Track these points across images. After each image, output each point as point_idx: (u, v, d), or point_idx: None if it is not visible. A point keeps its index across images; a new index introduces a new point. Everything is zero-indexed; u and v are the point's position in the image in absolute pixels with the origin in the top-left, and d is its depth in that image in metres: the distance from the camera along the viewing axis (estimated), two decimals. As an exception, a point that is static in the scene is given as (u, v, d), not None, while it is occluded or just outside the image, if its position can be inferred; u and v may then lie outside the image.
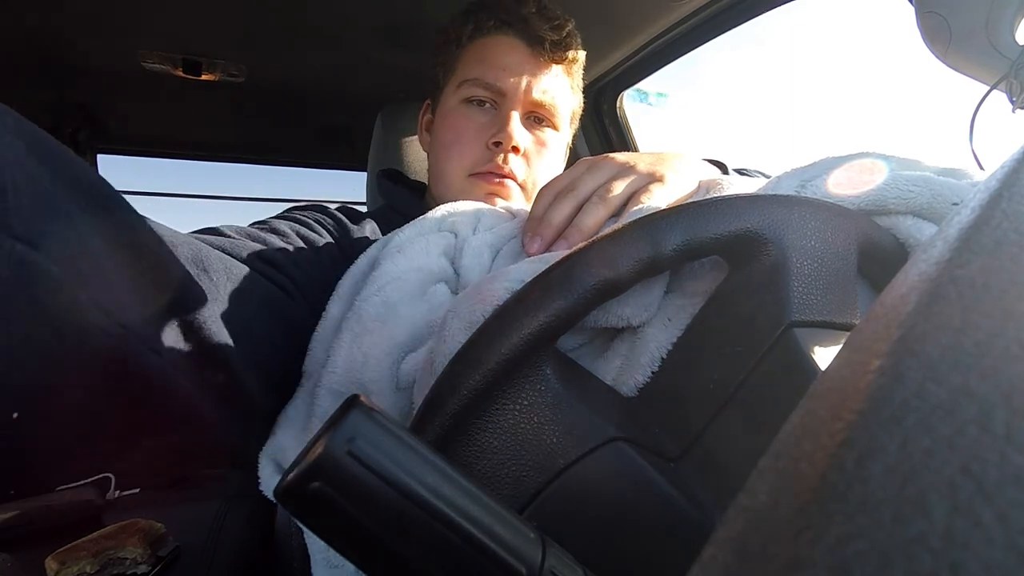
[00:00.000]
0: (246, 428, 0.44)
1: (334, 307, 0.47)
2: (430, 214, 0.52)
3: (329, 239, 0.57)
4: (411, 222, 0.51)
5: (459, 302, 0.35)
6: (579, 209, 0.45)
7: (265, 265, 0.46)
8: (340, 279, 0.49)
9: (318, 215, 0.61)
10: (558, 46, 0.67)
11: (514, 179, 0.67)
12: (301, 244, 0.53)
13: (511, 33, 0.67)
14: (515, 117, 0.65)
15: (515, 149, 0.65)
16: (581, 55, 0.72)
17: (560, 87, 0.69)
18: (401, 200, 0.76)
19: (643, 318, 0.33)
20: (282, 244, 0.50)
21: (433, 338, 0.37)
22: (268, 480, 0.42)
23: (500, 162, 0.65)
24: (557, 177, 0.48)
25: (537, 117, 0.69)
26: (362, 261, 0.50)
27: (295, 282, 0.48)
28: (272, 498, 0.40)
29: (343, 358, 0.42)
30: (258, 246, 0.47)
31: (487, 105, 0.68)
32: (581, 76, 0.75)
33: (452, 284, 0.47)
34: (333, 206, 0.66)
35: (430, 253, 0.48)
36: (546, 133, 0.70)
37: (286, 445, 0.42)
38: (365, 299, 0.44)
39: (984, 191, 0.14)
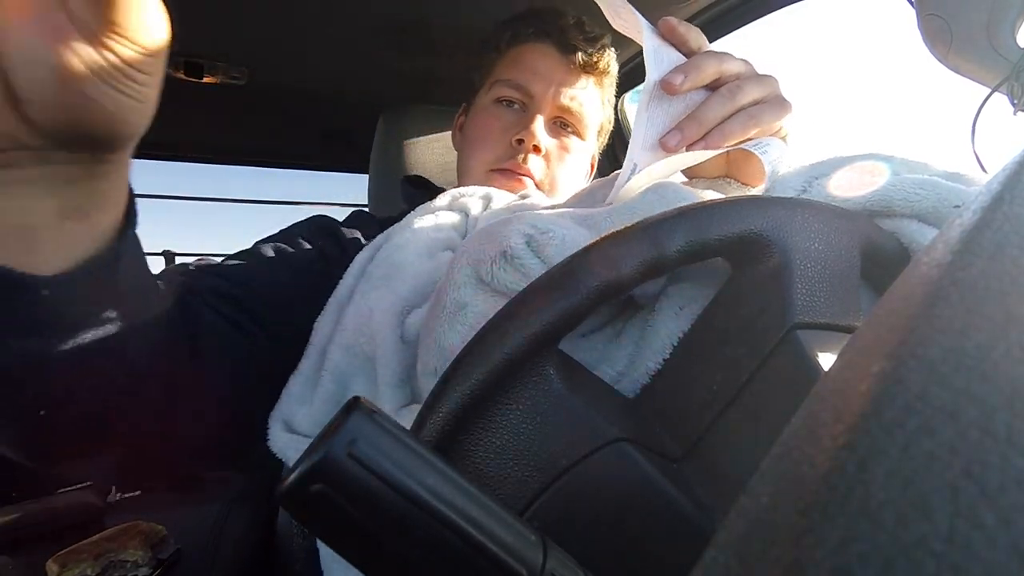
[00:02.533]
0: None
1: (348, 279, 0.49)
2: (439, 198, 0.54)
3: (311, 253, 0.57)
4: (421, 205, 0.53)
5: (469, 242, 0.36)
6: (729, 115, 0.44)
7: (220, 302, 0.47)
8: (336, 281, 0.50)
9: (311, 229, 0.61)
10: (590, 57, 0.69)
11: (532, 177, 0.68)
12: (272, 269, 0.54)
13: (547, 41, 0.70)
14: (540, 119, 0.68)
15: (536, 148, 0.67)
16: (614, 69, 0.74)
17: (589, 97, 0.71)
18: (419, 202, 0.77)
19: (653, 290, 0.34)
20: (248, 274, 0.52)
21: (440, 281, 0.38)
22: (276, 438, 0.43)
23: (520, 160, 0.67)
24: (726, 61, 0.44)
25: (563, 123, 0.71)
26: (379, 239, 0.52)
27: (252, 315, 0.49)
28: (277, 453, 0.42)
29: (352, 315, 0.44)
30: (218, 282, 0.49)
31: (516, 106, 0.70)
32: (613, 91, 0.76)
33: None
34: (344, 213, 0.68)
35: (440, 227, 0.50)
36: (570, 140, 0.71)
37: (295, 406, 0.44)
38: (376, 264, 0.47)
39: (986, 194, 0.14)
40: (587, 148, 0.74)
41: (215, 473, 1.28)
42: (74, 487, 1.21)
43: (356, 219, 0.69)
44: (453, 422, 0.27)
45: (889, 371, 0.11)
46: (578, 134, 0.72)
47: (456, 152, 0.80)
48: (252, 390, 0.46)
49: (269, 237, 0.59)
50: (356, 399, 0.19)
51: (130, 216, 0.34)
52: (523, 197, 0.56)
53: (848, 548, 0.08)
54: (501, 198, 0.54)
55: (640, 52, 1.12)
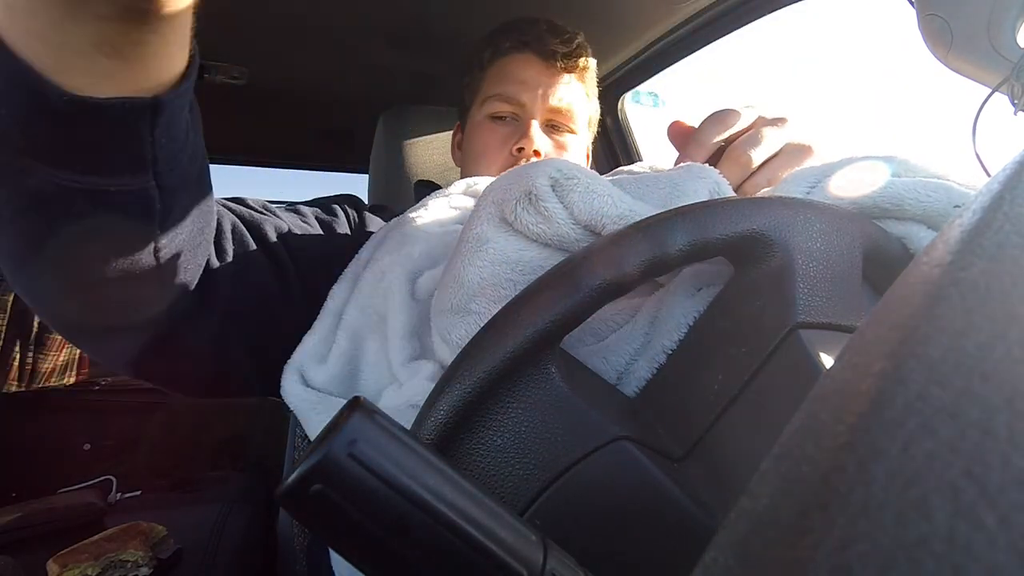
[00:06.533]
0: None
1: (365, 251, 0.52)
2: (454, 185, 0.57)
3: (346, 228, 0.61)
4: (435, 191, 0.57)
5: (496, 182, 0.37)
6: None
7: (274, 243, 0.51)
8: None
9: (346, 206, 0.66)
10: (569, 57, 0.74)
11: None
12: (317, 229, 0.58)
13: (527, 51, 0.74)
14: (535, 125, 0.72)
15: (536, 153, 0.71)
16: (592, 63, 0.78)
17: (574, 94, 0.75)
18: None
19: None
20: (300, 224, 0.56)
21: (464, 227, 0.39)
22: (291, 389, 0.45)
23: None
24: (729, 123, 0.45)
25: (555, 124, 0.75)
26: (394, 220, 0.54)
27: (296, 263, 0.52)
28: (290, 404, 0.44)
29: (367, 279, 0.47)
30: (278, 221, 0.53)
31: (509, 118, 0.75)
32: (595, 83, 0.81)
33: None
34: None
35: (454, 207, 0.52)
36: (564, 137, 0.75)
37: (309, 361, 0.46)
38: (390, 236, 0.50)
39: (986, 194, 0.14)
40: (581, 141, 0.78)
41: (215, 473, 1.28)
42: (75, 487, 1.22)
43: (375, 208, 0.73)
44: (453, 421, 0.27)
45: (889, 371, 0.11)
46: (571, 130, 0.76)
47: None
48: (275, 328, 0.49)
49: (308, 202, 0.63)
50: (356, 399, 0.19)
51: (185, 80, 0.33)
52: None
53: (848, 548, 0.08)
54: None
55: (639, 52, 1.12)
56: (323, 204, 0.63)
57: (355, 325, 0.46)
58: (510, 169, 0.38)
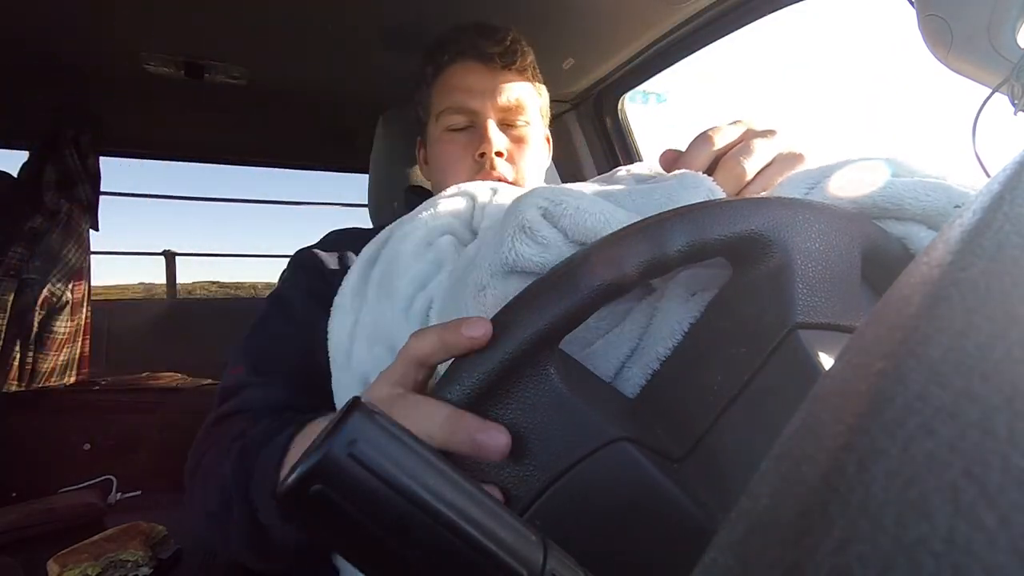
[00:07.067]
0: None
1: (349, 283, 0.51)
2: (448, 190, 0.56)
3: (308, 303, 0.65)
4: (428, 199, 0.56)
5: (490, 228, 0.38)
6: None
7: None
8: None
9: (296, 273, 0.70)
10: (505, 56, 0.76)
11: (505, 180, 0.74)
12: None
13: (465, 59, 0.77)
14: (491, 126, 0.74)
15: (499, 154, 0.74)
16: (530, 55, 0.81)
17: (520, 89, 0.78)
18: None
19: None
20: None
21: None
22: None
23: (488, 168, 0.74)
24: (718, 140, 0.46)
25: (509, 121, 0.78)
26: (383, 233, 0.53)
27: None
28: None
29: (369, 310, 0.47)
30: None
31: (464, 127, 0.78)
32: (538, 73, 0.83)
33: (461, 237, 0.49)
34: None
35: (439, 215, 0.51)
36: (520, 131, 0.78)
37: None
38: (377, 265, 0.50)
39: (986, 194, 0.14)
40: (538, 131, 0.81)
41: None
42: (75, 487, 1.22)
43: (335, 240, 0.75)
44: None
45: (889, 371, 0.11)
46: (525, 123, 0.79)
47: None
48: None
49: (270, 304, 0.68)
50: (356, 399, 0.19)
51: None
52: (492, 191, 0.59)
53: (848, 548, 0.08)
54: (507, 190, 0.56)
55: (638, 53, 1.12)
56: (282, 302, 0.67)
57: (365, 368, 0.45)
58: (500, 211, 0.38)
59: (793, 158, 0.44)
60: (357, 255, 0.55)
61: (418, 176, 0.98)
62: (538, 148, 0.80)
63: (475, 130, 0.76)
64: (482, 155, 0.73)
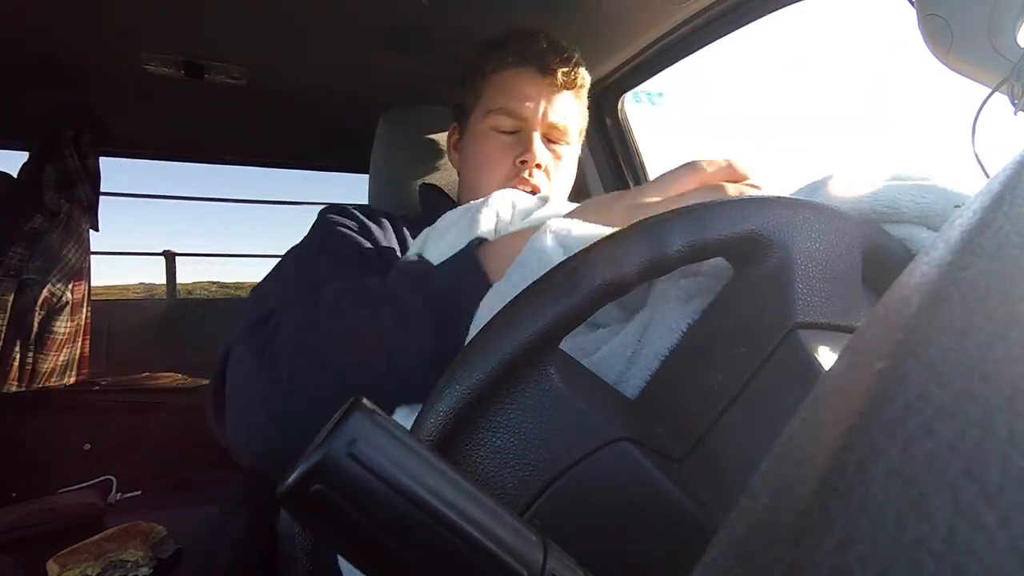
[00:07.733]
0: None
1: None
2: (473, 203, 0.60)
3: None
4: (452, 209, 0.61)
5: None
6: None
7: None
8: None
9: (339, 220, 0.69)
10: (568, 76, 0.78)
11: (538, 191, 0.77)
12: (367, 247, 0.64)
13: (528, 67, 0.78)
14: (536, 138, 0.77)
15: (538, 166, 0.76)
16: (587, 79, 0.83)
17: (572, 111, 0.81)
18: (442, 209, 0.82)
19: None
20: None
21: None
22: None
23: (527, 176, 0.76)
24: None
25: (553, 138, 0.80)
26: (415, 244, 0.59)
27: None
28: None
29: None
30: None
31: (511, 131, 0.79)
32: (586, 96, 0.86)
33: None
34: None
35: (473, 221, 0.55)
36: (561, 148, 0.81)
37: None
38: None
39: (986, 194, 0.14)
40: (575, 152, 0.84)
41: (215, 473, 1.28)
42: (75, 487, 1.22)
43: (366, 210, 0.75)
44: (453, 422, 0.27)
45: (889, 371, 0.11)
46: (566, 143, 0.81)
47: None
48: None
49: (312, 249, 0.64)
50: (356, 399, 0.19)
51: None
52: (542, 200, 0.62)
53: (848, 548, 0.08)
54: (523, 200, 0.60)
55: (638, 52, 1.12)
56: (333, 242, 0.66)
57: None
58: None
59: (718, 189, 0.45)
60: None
61: (418, 176, 0.98)
62: (571, 167, 0.83)
63: (520, 136, 0.78)
64: (523, 162, 0.76)
